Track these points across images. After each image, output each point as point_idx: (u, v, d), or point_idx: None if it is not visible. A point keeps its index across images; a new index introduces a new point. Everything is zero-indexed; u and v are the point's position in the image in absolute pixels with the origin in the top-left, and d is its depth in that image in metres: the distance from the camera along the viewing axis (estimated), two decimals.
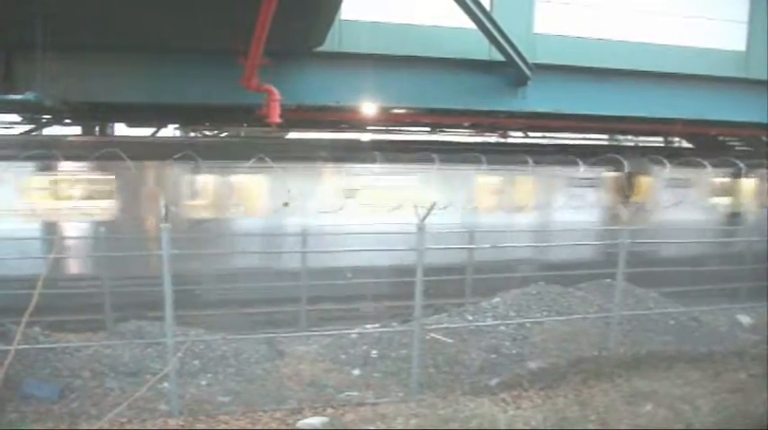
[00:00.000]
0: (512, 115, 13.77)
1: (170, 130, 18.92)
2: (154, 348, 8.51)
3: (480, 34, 10.82)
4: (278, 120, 10.30)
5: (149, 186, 12.38)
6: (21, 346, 6.87)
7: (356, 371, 8.62)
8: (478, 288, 12.13)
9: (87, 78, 10.68)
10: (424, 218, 7.45)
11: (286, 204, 12.77)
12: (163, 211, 7.05)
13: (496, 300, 10.46)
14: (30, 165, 11.79)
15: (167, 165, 12.43)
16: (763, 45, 13.19)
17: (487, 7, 10.98)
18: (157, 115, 15.16)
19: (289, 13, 7.71)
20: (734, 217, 15.99)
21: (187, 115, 15.69)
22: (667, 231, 13.98)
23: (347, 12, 10.59)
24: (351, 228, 11.72)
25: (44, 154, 11.73)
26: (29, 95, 9.23)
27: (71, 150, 12.31)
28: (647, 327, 9.83)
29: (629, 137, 21.96)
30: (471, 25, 10.68)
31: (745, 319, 10.86)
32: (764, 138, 17.17)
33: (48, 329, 8.96)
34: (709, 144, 18.58)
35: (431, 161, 13.49)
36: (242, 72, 9.75)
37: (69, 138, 14.44)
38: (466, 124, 16.91)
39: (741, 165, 15.69)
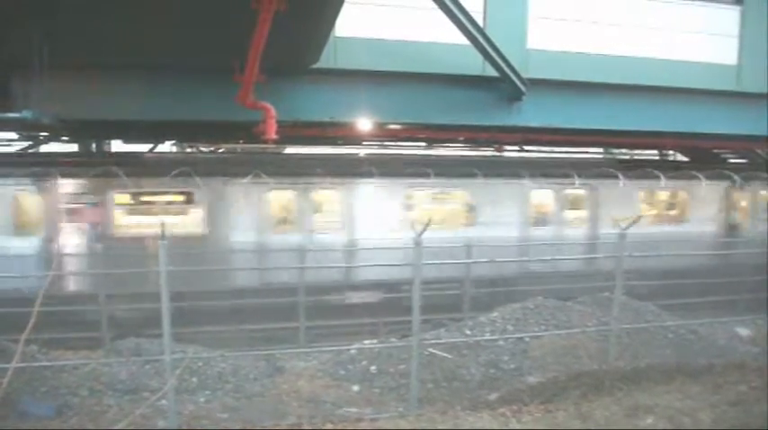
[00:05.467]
0: (506, 130, 13.81)
1: (167, 146, 18.92)
2: (152, 365, 8.47)
3: (474, 50, 10.91)
4: (274, 136, 10.34)
5: None
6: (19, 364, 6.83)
7: (355, 387, 8.59)
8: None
9: (84, 96, 10.71)
10: (421, 233, 7.48)
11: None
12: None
13: (494, 314, 10.44)
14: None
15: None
16: (755, 58, 13.32)
17: (481, 23, 11.07)
18: (154, 132, 15.18)
19: (284, 30, 7.77)
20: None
21: (183, 131, 15.70)
22: None
23: (342, 29, 10.66)
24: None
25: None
26: (26, 113, 9.26)
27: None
28: (645, 341, 9.81)
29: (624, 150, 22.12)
30: (465, 41, 10.77)
31: (744, 332, 10.86)
32: (758, 151, 17.27)
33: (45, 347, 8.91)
34: (704, 157, 18.67)
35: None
36: (238, 89, 9.80)
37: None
38: (461, 139, 16.97)
39: (736, 177, 15.75)
